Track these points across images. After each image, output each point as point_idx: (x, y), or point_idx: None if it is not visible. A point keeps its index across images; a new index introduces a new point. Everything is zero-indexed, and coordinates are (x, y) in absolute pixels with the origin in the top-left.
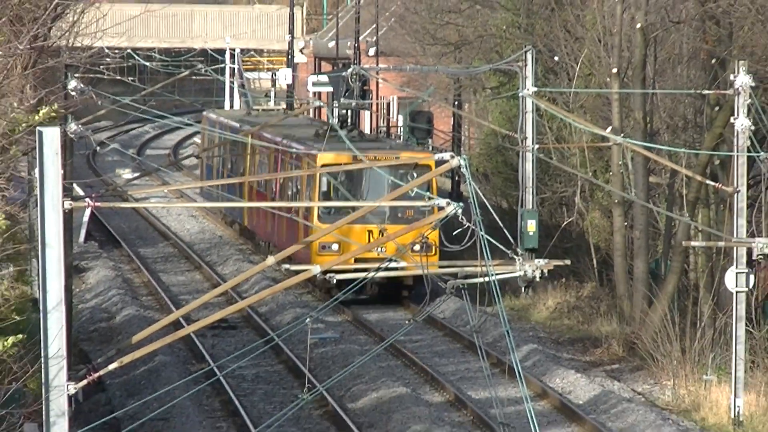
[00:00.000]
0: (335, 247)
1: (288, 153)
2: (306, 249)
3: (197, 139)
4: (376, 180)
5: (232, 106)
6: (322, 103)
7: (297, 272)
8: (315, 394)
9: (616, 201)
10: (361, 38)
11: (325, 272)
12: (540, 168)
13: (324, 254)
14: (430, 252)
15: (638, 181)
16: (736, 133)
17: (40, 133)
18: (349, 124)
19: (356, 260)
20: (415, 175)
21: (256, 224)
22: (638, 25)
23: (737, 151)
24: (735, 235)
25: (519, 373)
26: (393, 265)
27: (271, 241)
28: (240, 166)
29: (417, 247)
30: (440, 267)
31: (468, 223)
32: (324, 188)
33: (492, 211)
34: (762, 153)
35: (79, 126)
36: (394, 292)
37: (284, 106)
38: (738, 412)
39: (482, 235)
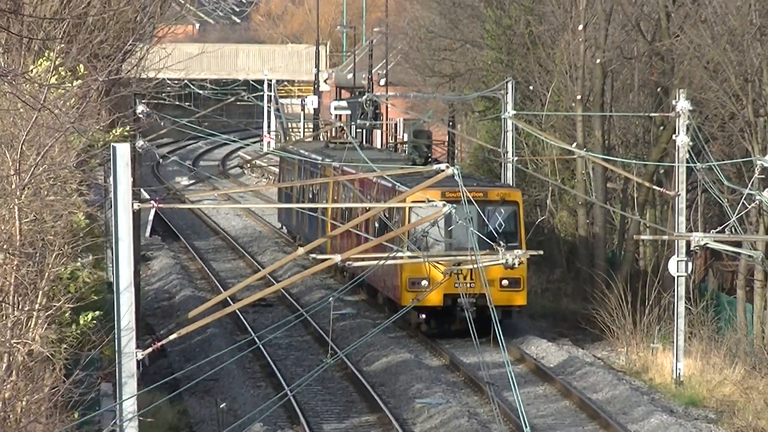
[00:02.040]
0: (425, 283)
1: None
2: (395, 284)
3: (242, 153)
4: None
5: (269, 127)
6: (341, 124)
7: (322, 260)
8: (336, 359)
9: (580, 203)
10: (373, 71)
11: (344, 260)
12: (518, 176)
13: (413, 290)
14: (518, 287)
15: (598, 187)
16: (677, 148)
17: (114, 148)
18: (431, 158)
19: (445, 296)
20: (503, 211)
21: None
22: (597, 61)
23: (678, 163)
24: (676, 231)
25: (501, 342)
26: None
27: (367, 280)
28: (323, 200)
29: (505, 283)
30: (437, 255)
31: (461, 221)
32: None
33: (480, 212)
34: (698, 164)
35: (146, 142)
36: (484, 326)
37: (356, 138)
38: (679, 374)
39: (471, 230)
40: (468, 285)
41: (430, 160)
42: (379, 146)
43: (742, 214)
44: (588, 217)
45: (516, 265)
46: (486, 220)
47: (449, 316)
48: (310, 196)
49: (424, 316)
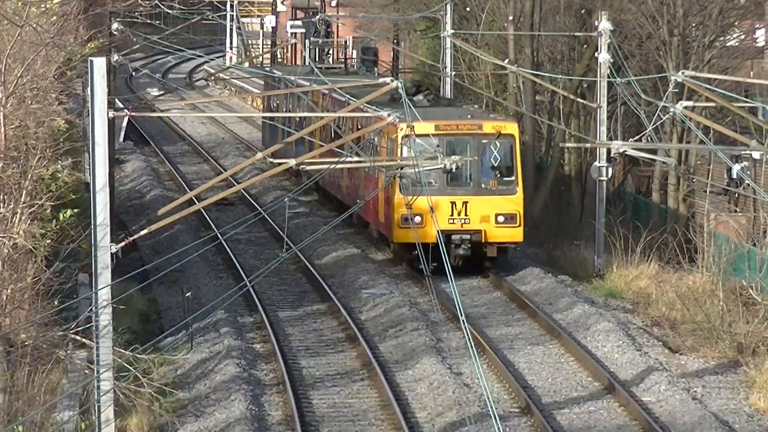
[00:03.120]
0: (418, 219)
1: (363, 117)
2: (388, 219)
3: (207, 67)
4: (458, 150)
5: (231, 43)
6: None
7: (279, 164)
8: (291, 253)
9: (511, 114)
10: None
11: (299, 164)
12: (456, 89)
13: (406, 227)
14: (514, 223)
15: (527, 99)
16: (599, 65)
17: (91, 62)
18: (425, 88)
19: (439, 232)
20: (498, 144)
21: (327, 181)
22: None
23: (600, 78)
24: (598, 139)
25: (440, 240)
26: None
27: (346, 202)
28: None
29: (501, 219)
30: (382, 162)
31: (414, 134)
32: (405, 155)
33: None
34: (618, 79)
35: (120, 57)
36: (477, 264)
37: (342, 64)
38: (599, 269)
39: (415, 138)
40: (462, 222)
41: (375, 72)
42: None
43: (657, 125)
44: (519, 127)
45: (454, 170)
46: (479, 154)
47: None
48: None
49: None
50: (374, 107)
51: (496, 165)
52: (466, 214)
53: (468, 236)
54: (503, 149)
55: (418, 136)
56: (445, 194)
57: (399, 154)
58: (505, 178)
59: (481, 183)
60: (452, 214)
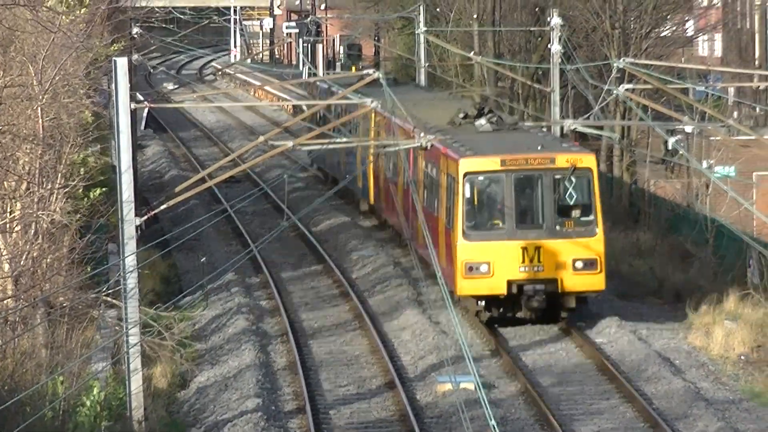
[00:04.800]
0: (484, 268)
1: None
2: (449, 267)
3: (215, 63)
4: (528, 188)
5: (235, 43)
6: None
7: (278, 146)
8: (290, 222)
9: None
10: None
11: (295, 145)
12: (429, 78)
13: (471, 276)
14: (594, 269)
15: (491, 84)
16: (551, 55)
17: (115, 61)
18: (486, 110)
19: (509, 283)
20: (574, 180)
21: (384, 207)
22: None
23: (552, 66)
24: (552, 118)
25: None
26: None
27: (404, 235)
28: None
29: (579, 265)
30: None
31: (387, 115)
32: (468, 194)
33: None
34: (568, 66)
35: (139, 56)
36: (553, 314)
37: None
38: None
39: (394, 121)
40: (535, 270)
41: (360, 65)
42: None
43: (603, 105)
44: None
45: (427, 148)
46: (553, 192)
47: (514, 304)
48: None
49: (483, 303)
50: (363, 97)
51: (572, 203)
52: (539, 261)
53: (542, 286)
54: (580, 185)
55: (482, 173)
56: (514, 238)
57: (461, 195)
58: (582, 218)
59: (555, 224)
60: (523, 261)
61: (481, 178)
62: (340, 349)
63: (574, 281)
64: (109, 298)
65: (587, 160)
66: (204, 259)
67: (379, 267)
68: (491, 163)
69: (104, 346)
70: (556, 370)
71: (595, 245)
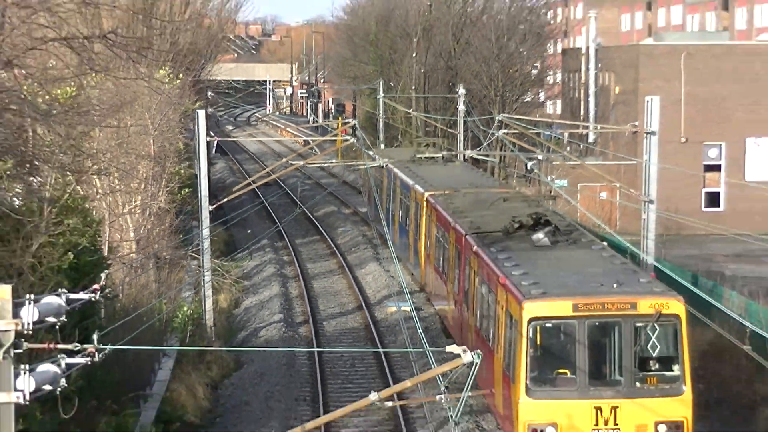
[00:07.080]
0: (551, 431)
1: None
2: (507, 422)
3: (257, 114)
4: (604, 337)
5: (269, 102)
6: (302, 100)
7: (294, 166)
8: (300, 210)
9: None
10: (319, 74)
11: (304, 163)
12: (384, 126)
13: None
14: None
15: (421, 129)
16: (459, 111)
17: (197, 112)
18: (544, 220)
19: None
20: (657, 328)
21: (432, 292)
22: (422, 70)
23: (459, 118)
24: (457, 149)
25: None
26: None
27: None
28: (412, 222)
29: (663, 429)
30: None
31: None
32: (533, 343)
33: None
34: (468, 119)
35: (211, 110)
36: None
37: (441, 153)
38: None
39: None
40: None
41: (343, 118)
42: (320, 113)
43: (488, 142)
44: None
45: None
46: (633, 343)
47: None
48: (403, 217)
49: None
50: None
51: (655, 355)
52: (615, 424)
53: None
54: (665, 334)
55: (551, 319)
56: (586, 396)
57: (524, 344)
58: (667, 374)
59: (635, 380)
60: (597, 424)
61: (549, 325)
62: (330, 286)
63: None
64: (192, 254)
65: (674, 306)
66: (249, 231)
67: (353, 237)
68: (562, 307)
69: (189, 283)
70: None
71: (681, 406)
